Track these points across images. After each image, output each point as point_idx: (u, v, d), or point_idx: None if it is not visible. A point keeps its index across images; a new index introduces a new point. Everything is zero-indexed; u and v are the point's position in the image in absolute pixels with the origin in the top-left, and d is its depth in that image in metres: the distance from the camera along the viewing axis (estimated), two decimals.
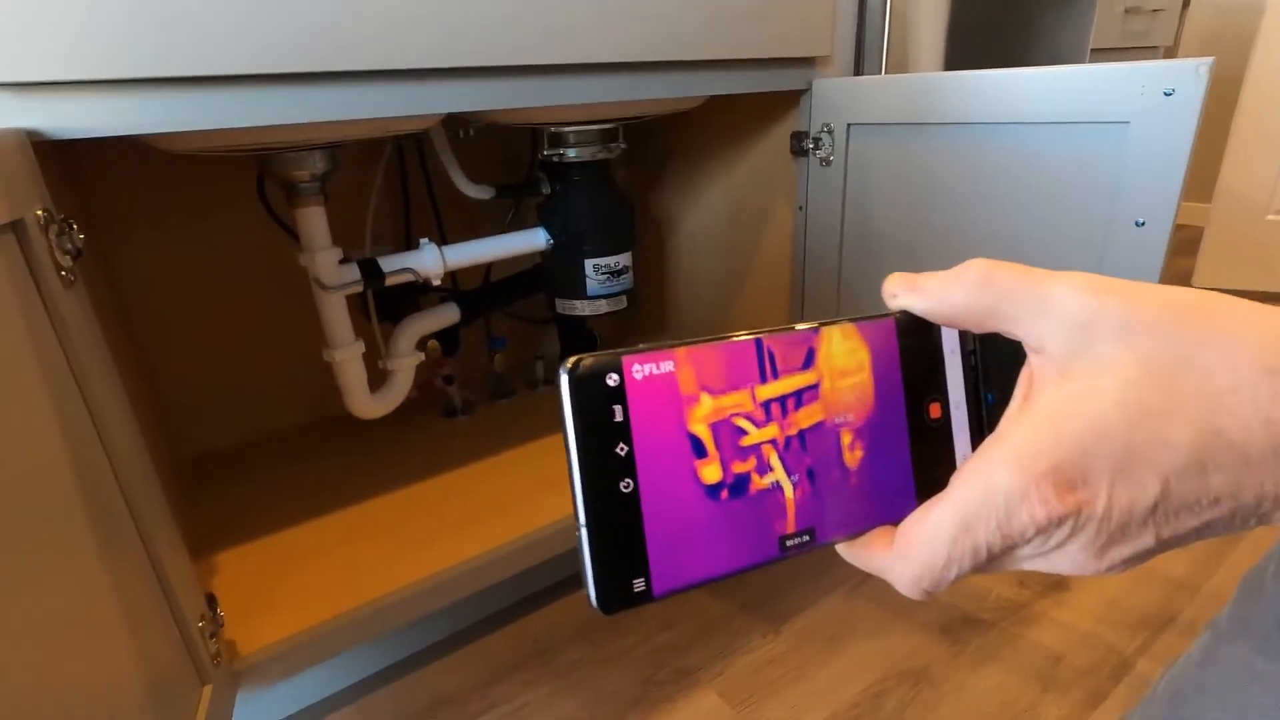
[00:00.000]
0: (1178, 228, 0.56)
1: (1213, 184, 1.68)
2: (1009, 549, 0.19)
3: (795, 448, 0.21)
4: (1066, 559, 0.19)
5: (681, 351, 0.20)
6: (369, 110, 0.51)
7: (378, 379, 0.80)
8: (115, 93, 0.43)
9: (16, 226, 0.37)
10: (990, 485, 0.19)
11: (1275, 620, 0.35)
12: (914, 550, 0.21)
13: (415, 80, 0.53)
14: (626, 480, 0.19)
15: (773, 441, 0.21)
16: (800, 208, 0.82)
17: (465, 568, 0.66)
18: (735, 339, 0.21)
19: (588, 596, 0.19)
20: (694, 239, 1.02)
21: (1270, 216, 1.64)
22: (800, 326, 0.22)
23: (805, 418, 0.22)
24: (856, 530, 0.23)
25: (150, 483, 0.46)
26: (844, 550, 0.23)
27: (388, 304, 0.84)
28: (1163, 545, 0.19)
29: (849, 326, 0.22)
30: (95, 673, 0.38)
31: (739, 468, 0.20)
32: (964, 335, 0.24)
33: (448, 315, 0.85)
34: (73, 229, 0.41)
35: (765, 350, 0.21)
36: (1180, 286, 0.19)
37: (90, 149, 0.73)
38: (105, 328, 0.47)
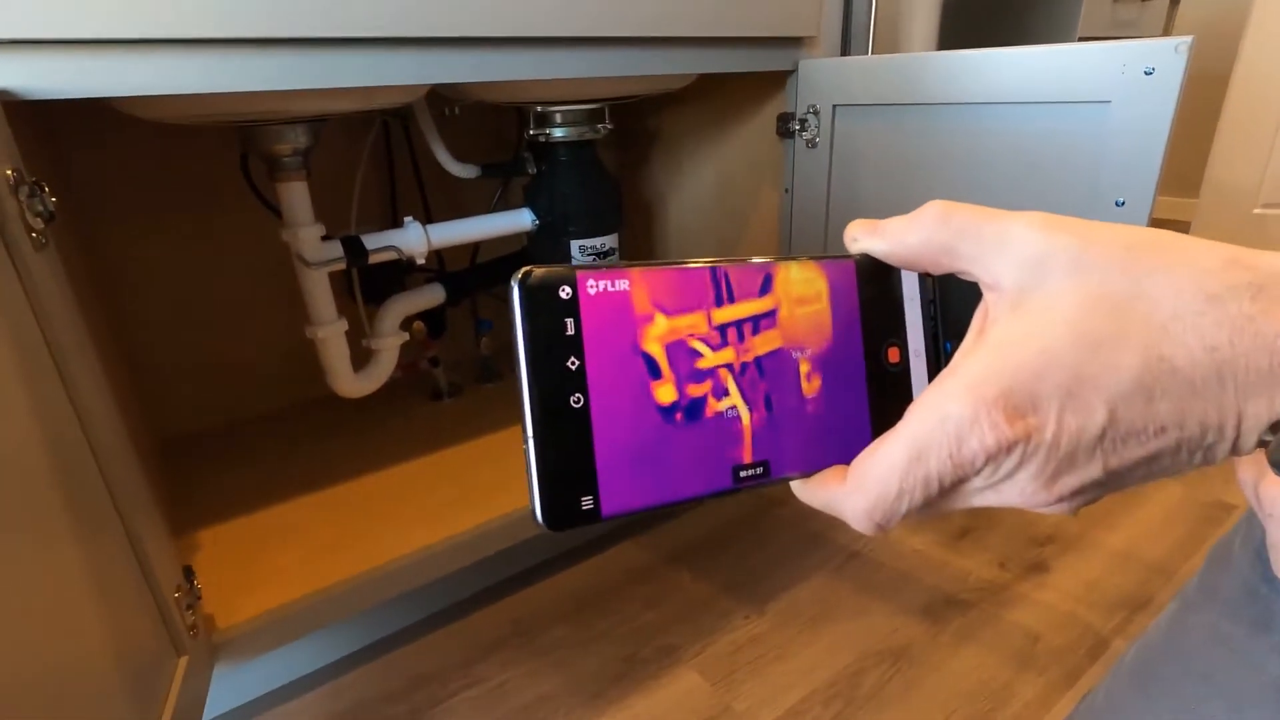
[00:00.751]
0: (1165, 221, 0.57)
1: (1200, 178, 1.69)
2: (960, 480, 0.19)
3: (752, 373, 0.21)
4: (1016, 489, 0.19)
5: (637, 271, 0.20)
6: (353, 79, 0.51)
7: (362, 359, 0.79)
8: (88, 53, 0.42)
9: None
10: (941, 413, 0.19)
11: (1242, 586, 0.36)
12: (866, 481, 0.21)
13: (398, 49, 0.52)
14: (577, 395, 0.19)
15: (729, 366, 0.21)
16: (786, 190, 0.81)
17: (445, 545, 0.66)
18: (691, 264, 0.21)
19: (532, 513, 0.19)
20: (680, 221, 1.02)
21: (1257, 210, 1.65)
22: (757, 259, 0.22)
23: (762, 344, 0.21)
24: (810, 470, 0.23)
25: (124, 450, 0.46)
26: (798, 487, 0.23)
27: (373, 285, 0.83)
28: (1111, 476, 0.19)
29: (807, 261, 0.22)
30: (67, 642, 0.38)
31: (694, 390, 0.20)
32: (924, 283, 0.25)
33: (433, 295, 0.85)
34: (44, 191, 0.41)
35: (721, 275, 0.21)
36: (1136, 226, 0.19)
37: (71, 122, 0.72)
38: (84, 304, 0.47)
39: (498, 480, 0.75)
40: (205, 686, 0.53)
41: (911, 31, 0.90)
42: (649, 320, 0.20)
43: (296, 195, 0.68)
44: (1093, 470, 0.19)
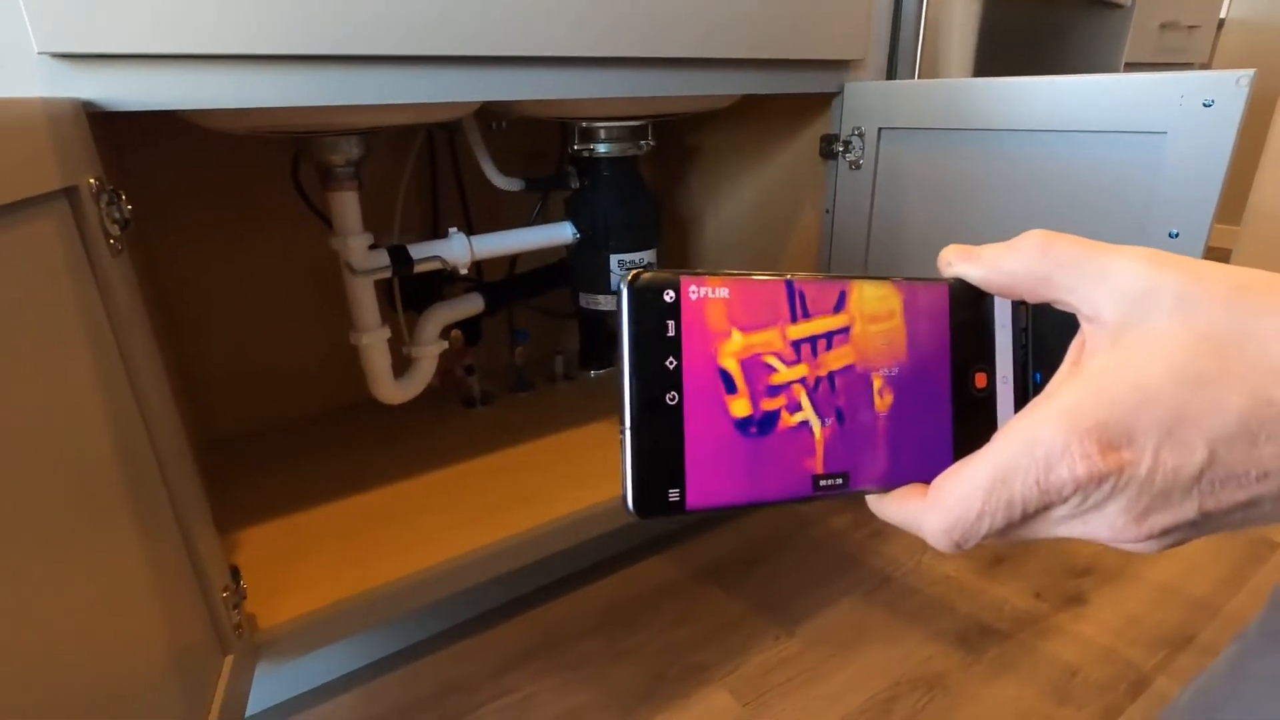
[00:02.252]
0: (1206, 249, 0.56)
1: (1242, 204, 1.66)
2: (1045, 507, 0.19)
3: (825, 388, 0.22)
4: (1105, 522, 0.19)
5: (734, 281, 0.21)
6: (409, 95, 0.52)
7: (401, 366, 0.80)
8: (166, 67, 0.44)
9: (70, 194, 0.38)
10: (1031, 438, 0.19)
11: None
12: (947, 500, 0.21)
13: (454, 66, 0.53)
14: (673, 393, 0.20)
15: (802, 380, 0.22)
16: (827, 211, 0.82)
17: (480, 554, 0.66)
18: (773, 276, 0.21)
19: (624, 500, 0.20)
20: (718, 239, 1.02)
21: None
22: (838, 275, 0.22)
23: (835, 359, 0.22)
24: (889, 485, 0.23)
25: (183, 452, 0.47)
26: (874, 501, 0.23)
27: (413, 292, 0.85)
28: (1206, 519, 0.18)
29: (882, 280, 0.23)
30: (127, 635, 0.39)
31: (768, 404, 0.21)
32: (1017, 311, 0.25)
33: (473, 305, 0.86)
34: (121, 199, 0.42)
35: (798, 291, 0.22)
36: (1242, 266, 0.19)
37: (129, 125, 0.74)
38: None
39: (530, 490, 0.75)
40: (248, 685, 0.53)
41: (950, 56, 0.90)
42: (725, 336, 0.21)
43: (348, 205, 0.69)
44: (1187, 510, 0.18)
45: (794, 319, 0.21)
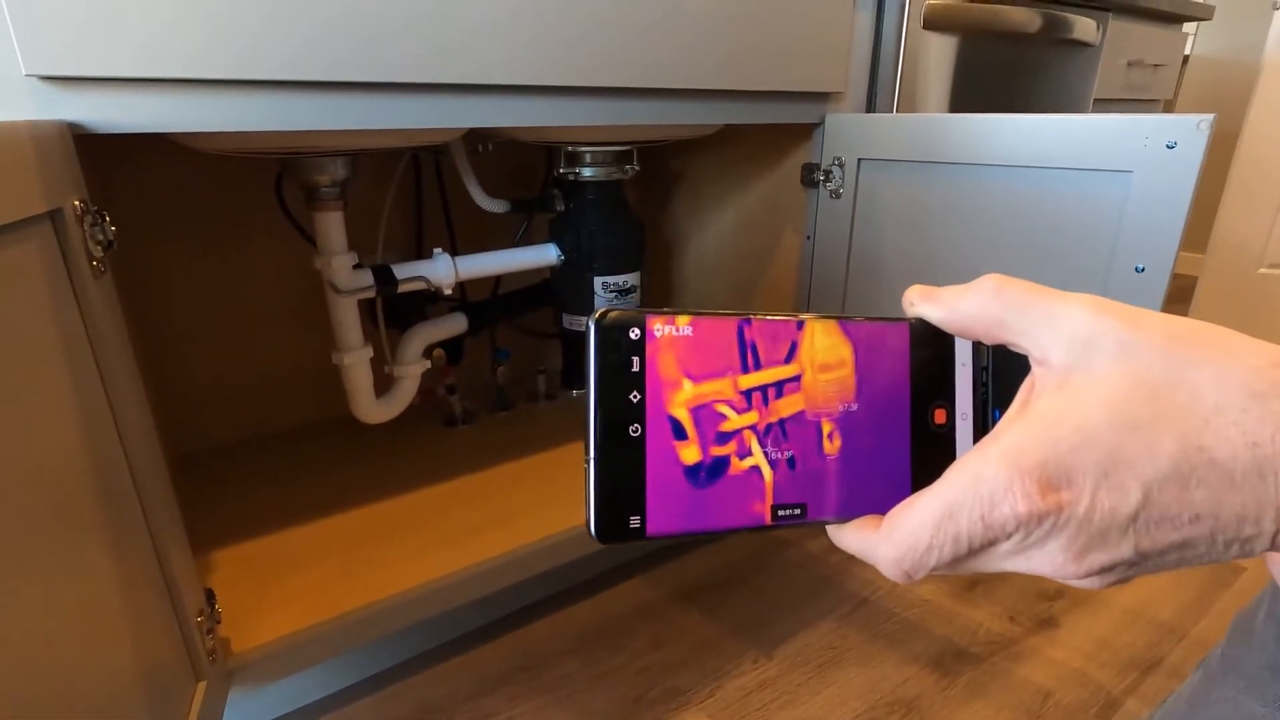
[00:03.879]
0: (1171, 279, 0.58)
1: (1207, 235, 1.72)
2: (989, 542, 0.20)
3: (775, 434, 0.23)
4: (1046, 558, 0.20)
5: (700, 320, 0.22)
6: (397, 121, 0.53)
7: (382, 384, 0.80)
8: (154, 91, 0.44)
9: (54, 216, 0.38)
10: (977, 476, 0.20)
11: (1266, 663, 0.36)
12: (898, 532, 0.21)
13: (442, 94, 0.54)
14: (635, 425, 0.21)
15: (752, 427, 0.22)
16: (808, 237, 0.83)
17: (459, 577, 0.66)
18: (728, 316, 0.22)
19: (587, 527, 0.21)
20: (701, 263, 1.04)
21: (1263, 270, 1.67)
22: (795, 315, 0.23)
23: (785, 407, 0.23)
24: (847, 516, 0.24)
25: (160, 474, 0.47)
26: (833, 531, 0.24)
27: (396, 312, 0.85)
28: (1142, 558, 0.19)
29: (841, 323, 0.24)
30: (95, 662, 0.38)
31: (718, 451, 0.22)
32: (977, 351, 0.26)
33: (456, 325, 0.86)
34: (105, 220, 0.42)
35: (749, 341, 0.23)
36: (1179, 316, 0.20)
37: (109, 141, 0.74)
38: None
39: (511, 511, 0.75)
40: (220, 713, 0.53)
41: (927, 91, 0.93)
42: (678, 385, 0.22)
43: (332, 224, 0.70)
44: (1124, 549, 0.19)
45: (745, 369, 0.22)
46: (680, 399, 0.21)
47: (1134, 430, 0.18)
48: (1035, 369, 0.22)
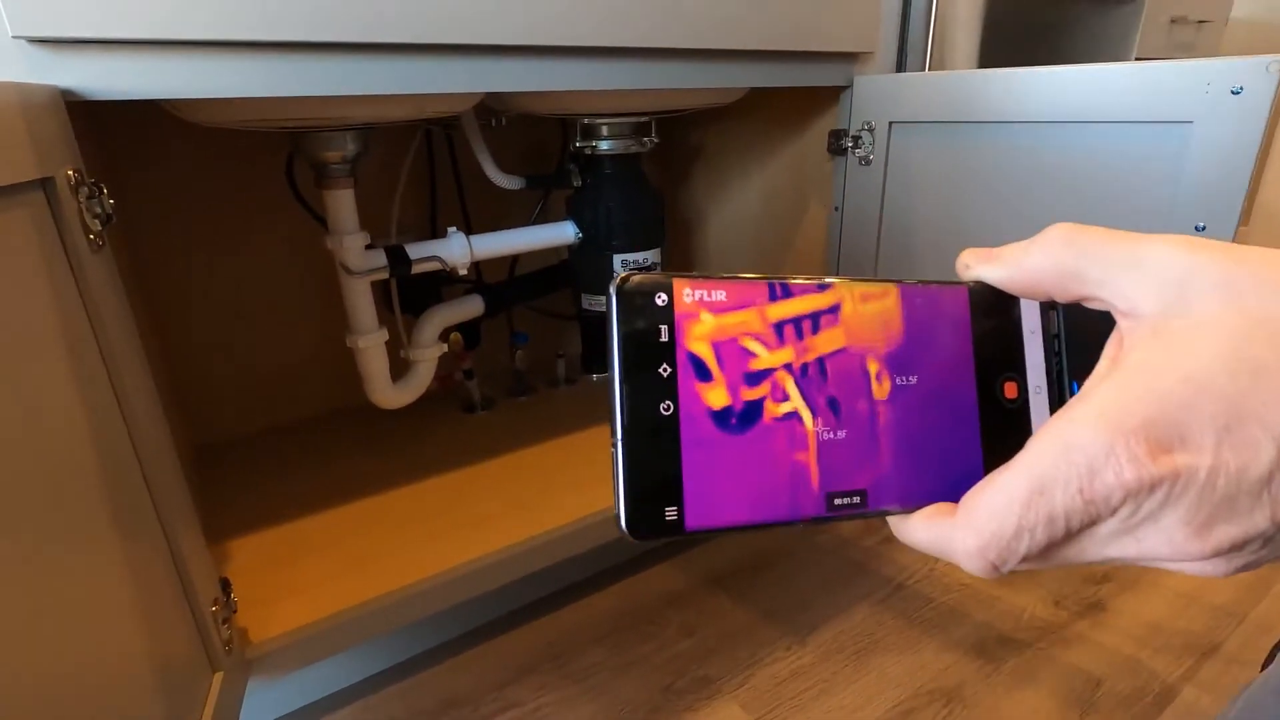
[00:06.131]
0: (1237, 235, 0.54)
1: (1251, 205, 1.65)
2: (1090, 521, 0.17)
3: (814, 374, 0.20)
4: (1162, 537, 0.17)
5: (732, 283, 0.19)
6: (405, 85, 0.50)
7: (398, 369, 0.78)
8: (151, 54, 0.41)
9: (46, 185, 0.36)
10: (1068, 443, 0.17)
11: None
12: (979, 517, 0.18)
13: (452, 55, 0.51)
14: (667, 403, 0.18)
15: (787, 366, 0.20)
16: (836, 208, 0.80)
17: (481, 564, 0.64)
18: (779, 279, 0.20)
19: (616, 520, 0.18)
20: (723, 238, 1.00)
21: None
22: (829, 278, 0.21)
23: (824, 343, 0.20)
24: (913, 505, 0.21)
25: (170, 459, 0.45)
26: (897, 523, 0.21)
27: (411, 295, 0.83)
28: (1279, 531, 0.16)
29: (887, 282, 0.22)
30: (106, 655, 0.36)
31: (749, 394, 0.19)
32: (1046, 315, 0.23)
33: (472, 307, 0.84)
34: (103, 192, 0.40)
35: (779, 283, 0.20)
36: None
37: (119, 122, 0.72)
38: (132, 308, 0.46)
39: (532, 497, 0.73)
40: (239, 704, 0.51)
41: (956, 51, 0.88)
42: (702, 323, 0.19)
43: (343, 203, 0.67)
44: (1258, 519, 0.16)
45: (773, 298, 0.20)
46: (699, 333, 0.19)
47: (1258, 376, 0.15)
48: (1122, 323, 0.19)
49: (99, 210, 0.40)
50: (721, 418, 0.19)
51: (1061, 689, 0.68)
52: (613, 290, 0.18)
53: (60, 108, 0.38)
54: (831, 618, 0.77)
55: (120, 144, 0.73)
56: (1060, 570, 0.83)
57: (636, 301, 0.18)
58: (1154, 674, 0.69)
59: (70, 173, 0.37)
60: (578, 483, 0.75)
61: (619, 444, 0.18)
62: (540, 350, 1.02)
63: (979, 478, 0.20)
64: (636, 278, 0.18)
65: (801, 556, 0.87)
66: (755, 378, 0.19)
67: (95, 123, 0.70)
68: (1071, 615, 0.77)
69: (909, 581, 0.82)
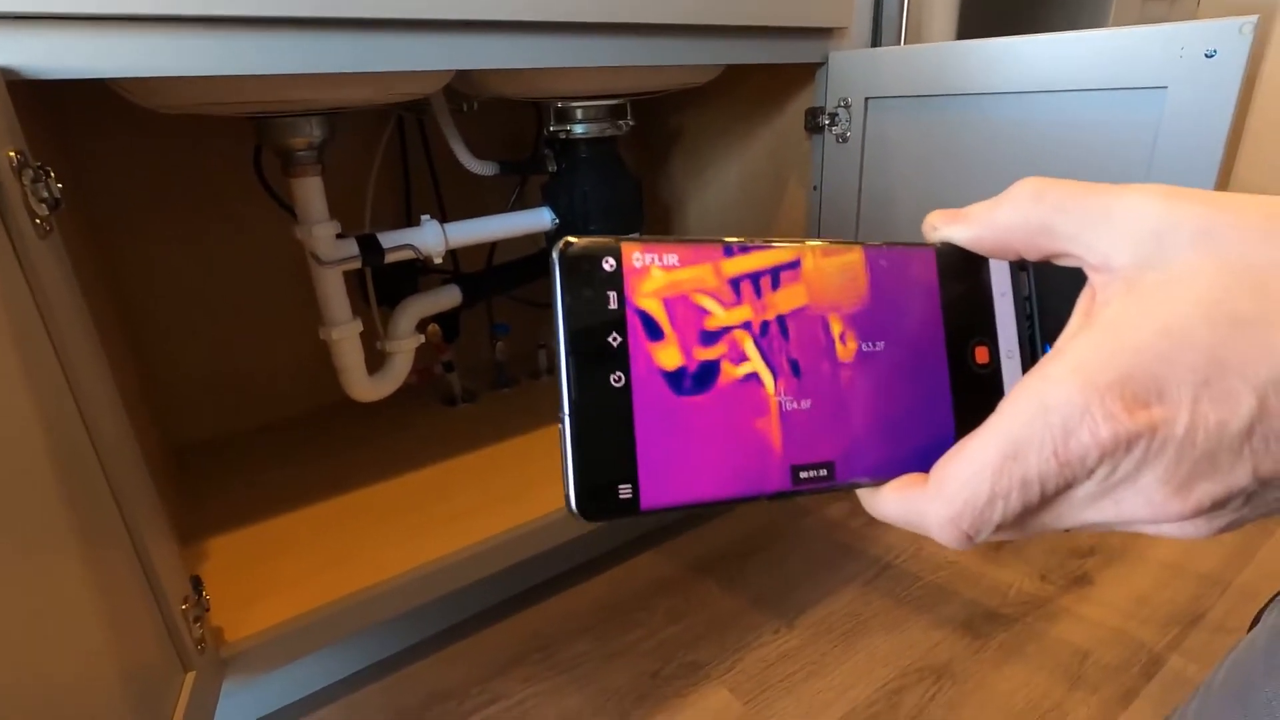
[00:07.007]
0: None
1: (1226, 178, 1.66)
2: (1066, 484, 0.16)
3: (775, 334, 0.19)
4: (1140, 498, 0.16)
5: (684, 246, 0.18)
6: (368, 64, 0.48)
7: (375, 363, 0.77)
8: (98, 30, 0.40)
9: None
10: (1043, 403, 0.16)
11: None
12: (950, 485, 0.17)
13: (417, 32, 0.50)
14: (618, 374, 0.17)
15: (745, 325, 0.19)
16: (815, 188, 0.79)
17: (463, 555, 0.63)
18: (735, 241, 0.19)
19: (566, 501, 0.17)
20: (703, 223, 0.99)
21: None
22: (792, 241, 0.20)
23: (785, 300, 0.19)
24: (883, 477, 0.20)
25: (133, 456, 0.43)
26: (867, 495, 0.20)
27: (387, 287, 0.81)
28: (1262, 485, 0.15)
29: (846, 246, 0.21)
30: (67, 658, 0.35)
31: (704, 354, 0.18)
32: (1016, 276, 0.22)
33: (449, 297, 0.82)
34: (49, 176, 0.38)
35: (736, 244, 0.19)
36: (1266, 196, 0.16)
37: (83, 117, 0.70)
38: (93, 304, 0.44)
39: (515, 489, 0.72)
40: (213, 704, 0.50)
41: (932, 22, 0.88)
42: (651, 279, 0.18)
43: (311, 191, 0.66)
44: (1239, 475, 0.15)
45: (729, 254, 0.19)
46: (648, 289, 0.18)
47: (1239, 326, 0.15)
48: (1094, 278, 0.18)
49: (45, 194, 0.38)
50: (675, 379, 0.18)
51: (1049, 662, 0.68)
52: (555, 256, 0.17)
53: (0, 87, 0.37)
54: (819, 600, 0.77)
55: (85, 135, 0.71)
56: (1045, 544, 0.83)
57: (582, 267, 0.17)
58: (1141, 644, 0.69)
59: (12, 154, 0.36)
60: (561, 473, 0.74)
61: (566, 419, 0.17)
62: (522, 342, 1.01)
63: (950, 446, 0.20)
64: (582, 242, 0.17)
65: (789, 540, 0.86)
66: (711, 336, 0.18)
67: (60, 113, 0.68)
68: (1058, 589, 0.77)
69: (896, 561, 0.82)
